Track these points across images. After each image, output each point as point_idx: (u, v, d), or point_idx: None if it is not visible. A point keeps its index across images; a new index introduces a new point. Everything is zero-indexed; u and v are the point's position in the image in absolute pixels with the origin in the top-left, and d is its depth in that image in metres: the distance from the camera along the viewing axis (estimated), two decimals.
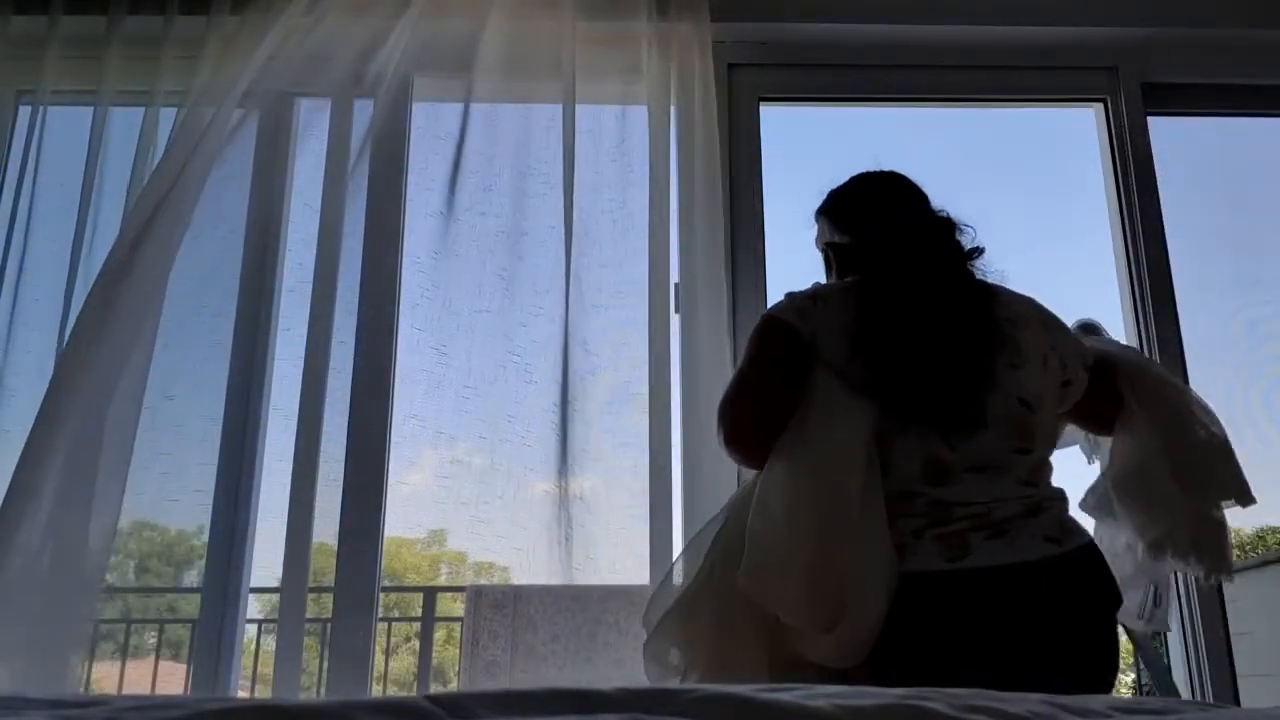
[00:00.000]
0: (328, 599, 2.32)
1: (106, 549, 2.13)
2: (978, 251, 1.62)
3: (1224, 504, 1.63)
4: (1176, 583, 2.20)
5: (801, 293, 1.59)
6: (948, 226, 1.61)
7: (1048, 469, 1.52)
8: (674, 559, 1.86)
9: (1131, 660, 4.50)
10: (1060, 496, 1.49)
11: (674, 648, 1.48)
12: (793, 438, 1.45)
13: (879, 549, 1.36)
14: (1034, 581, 1.36)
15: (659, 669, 1.49)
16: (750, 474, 1.60)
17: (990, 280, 1.61)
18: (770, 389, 1.52)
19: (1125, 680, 4.21)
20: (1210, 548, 1.56)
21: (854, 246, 1.68)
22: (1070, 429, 1.78)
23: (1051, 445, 1.56)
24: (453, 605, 3.84)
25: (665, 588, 1.57)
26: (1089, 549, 1.44)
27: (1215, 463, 1.62)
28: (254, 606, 3.39)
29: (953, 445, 1.42)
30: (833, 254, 1.76)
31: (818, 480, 1.40)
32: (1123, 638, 1.62)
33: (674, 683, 1.46)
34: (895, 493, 1.41)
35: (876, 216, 1.65)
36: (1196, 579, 1.95)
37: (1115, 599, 1.43)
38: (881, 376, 1.44)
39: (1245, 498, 1.63)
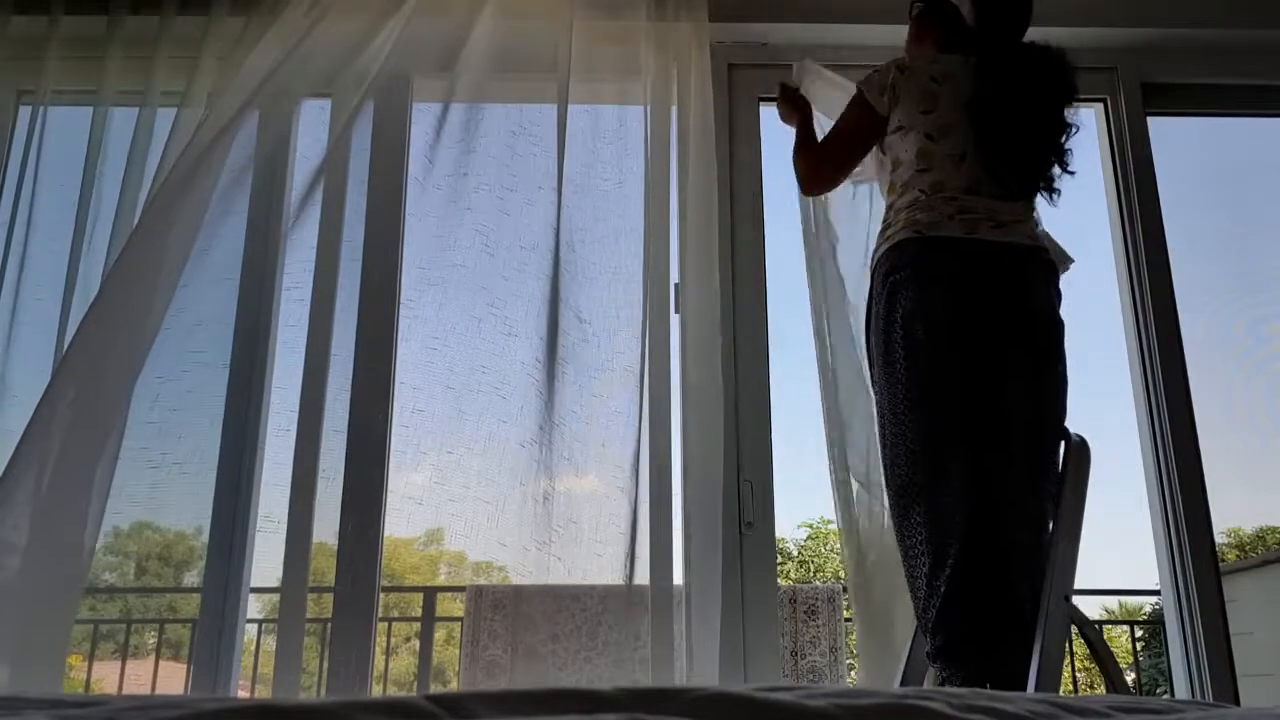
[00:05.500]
0: (328, 599, 2.32)
1: (91, 550, 2.12)
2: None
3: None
4: None
5: (893, 64, 2.09)
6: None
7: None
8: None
9: (1132, 661, 4.51)
10: (1038, 227, 2.05)
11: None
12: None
13: None
14: (1016, 254, 1.96)
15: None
16: None
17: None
18: (843, 156, 2.18)
19: (1125, 679, 4.21)
20: None
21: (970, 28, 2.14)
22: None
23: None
24: (453, 605, 3.84)
25: None
26: (1047, 253, 2.02)
27: None
28: (254, 606, 3.39)
29: (990, 173, 1.98)
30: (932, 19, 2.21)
31: None
32: (1078, 639, 1.90)
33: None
34: (941, 196, 1.97)
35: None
36: None
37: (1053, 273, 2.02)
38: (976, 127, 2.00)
39: None
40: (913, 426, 1.87)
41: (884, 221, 2.06)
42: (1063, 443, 1.97)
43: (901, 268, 1.94)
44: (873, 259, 2.05)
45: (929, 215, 1.95)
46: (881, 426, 1.96)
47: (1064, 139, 2.03)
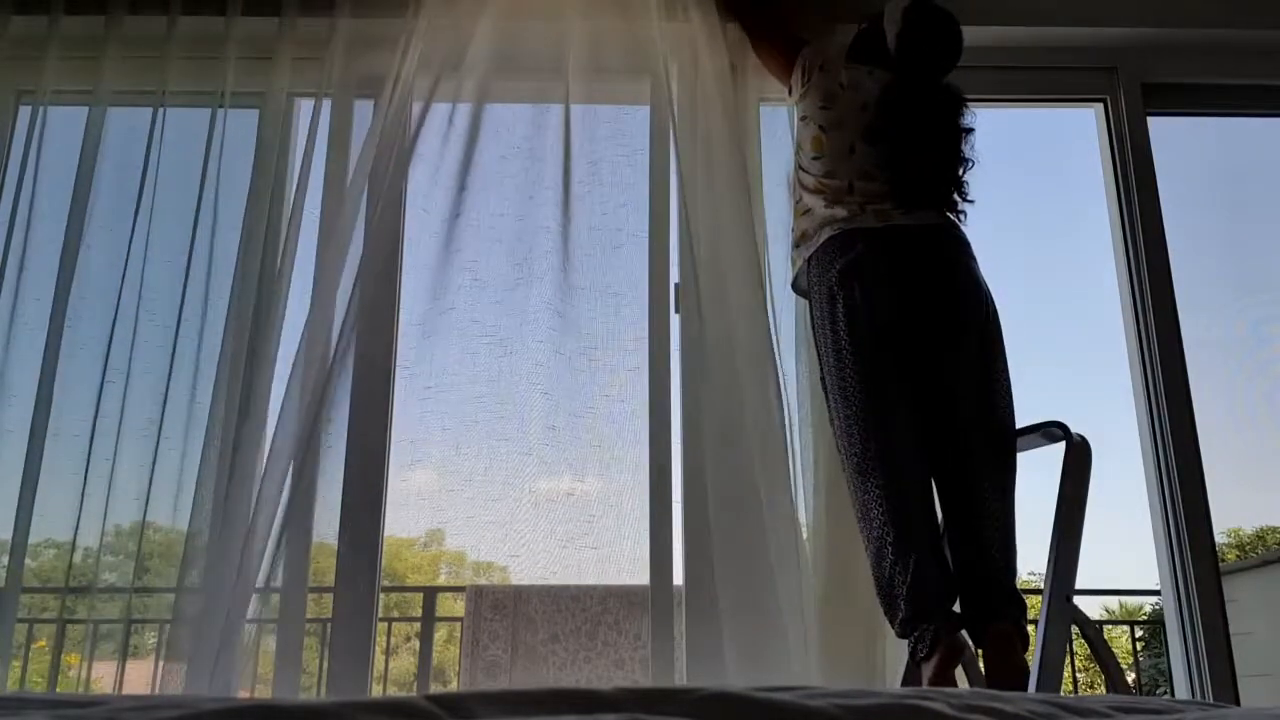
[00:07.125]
0: (328, 599, 2.32)
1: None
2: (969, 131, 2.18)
3: None
4: None
5: (821, 60, 2.25)
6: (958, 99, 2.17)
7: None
8: None
9: (1132, 661, 4.51)
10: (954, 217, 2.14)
11: None
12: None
13: None
14: (932, 233, 2.07)
15: None
16: None
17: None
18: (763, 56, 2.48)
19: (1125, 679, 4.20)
20: None
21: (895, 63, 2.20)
22: None
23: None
24: (453, 605, 3.84)
25: None
26: (958, 228, 2.11)
27: None
28: (254, 606, 3.38)
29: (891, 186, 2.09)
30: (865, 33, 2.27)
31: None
32: (1078, 639, 1.92)
33: None
34: (835, 184, 2.10)
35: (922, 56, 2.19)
36: None
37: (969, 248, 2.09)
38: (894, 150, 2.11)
39: None
40: (860, 404, 1.95)
41: (798, 212, 2.17)
42: (1064, 441, 1.97)
43: (830, 266, 2.03)
44: (797, 264, 2.15)
45: (843, 210, 2.08)
46: (833, 415, 2.02)
47: (961, 171, 2.13)
